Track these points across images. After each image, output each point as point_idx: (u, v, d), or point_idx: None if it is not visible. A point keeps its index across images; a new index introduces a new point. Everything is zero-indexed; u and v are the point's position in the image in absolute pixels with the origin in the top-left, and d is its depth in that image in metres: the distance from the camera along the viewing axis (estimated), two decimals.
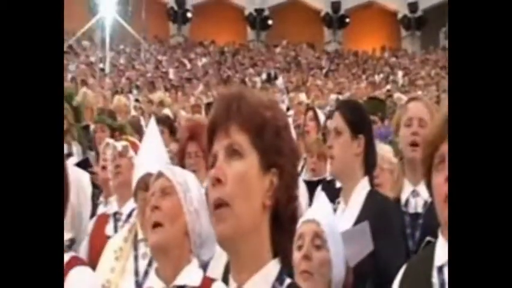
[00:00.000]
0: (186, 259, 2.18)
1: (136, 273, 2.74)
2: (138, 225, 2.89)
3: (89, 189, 3.89)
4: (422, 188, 2.71)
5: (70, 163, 3.86)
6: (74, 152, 5.22)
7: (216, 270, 2.42)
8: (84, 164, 4.67)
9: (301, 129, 5.68)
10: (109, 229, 3.42)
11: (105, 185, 3.97)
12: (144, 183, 2.79)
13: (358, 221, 2.58)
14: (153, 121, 3.18)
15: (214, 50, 22.55)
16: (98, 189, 4.39)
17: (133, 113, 8.21)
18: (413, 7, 25.27)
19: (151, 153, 2.90)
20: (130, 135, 4.73)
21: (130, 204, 3.33)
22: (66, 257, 1.40)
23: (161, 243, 2.15)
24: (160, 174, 2.28)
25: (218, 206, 1.23)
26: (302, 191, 3.96)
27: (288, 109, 9.64)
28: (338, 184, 3.01)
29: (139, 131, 5.89)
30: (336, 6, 25.39)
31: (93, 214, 3.93)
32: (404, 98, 7.29)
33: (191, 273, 2.16)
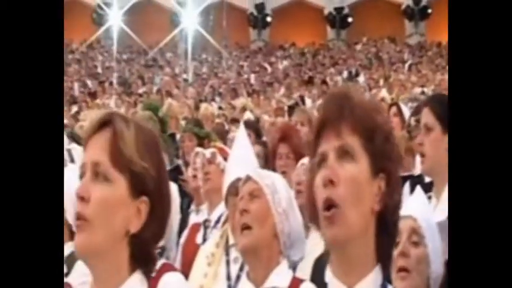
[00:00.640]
0: (276, 260, 2.18)
1: (229, 277, 2.78)
2: (229, 231, 2.93)
3: (177, 199, 3.97)
4: None
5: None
6: None
7: (304, 270, 2.42)
8: (175, 172, 4.79)
9: None
10: (199, 237, 3.48)
11: (196, 193, 4.02)
12: (235, 188, 2.83)
13: None
14: (242, 127, 3.21)
15: (294, 52, 22.55)
16: (188, 198, 4.49)
17: (216, 120, 8.32)
18: None
19: (241, 159, 2.93)
20: (215, 142, 4.81)
21: (219, 210, 3.38)
22: (158, 263, 1.43)
23: (251, 246, 2.17)
24: (248, 178, 2.30)
25: (328, 207, 1.23)
26: None
27: None
28: (427, 179, 2.94)
29: (224, 138, 5.97)
30: None
31: (185, 222, 4.04)
32: None
33: (281, 275, 2.16)
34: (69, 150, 5.61)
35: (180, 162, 5.53)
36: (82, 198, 1.30)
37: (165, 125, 6.19)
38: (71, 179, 2.32)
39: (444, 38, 23.45)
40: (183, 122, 7.84)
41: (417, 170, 3.62)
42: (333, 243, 1.23)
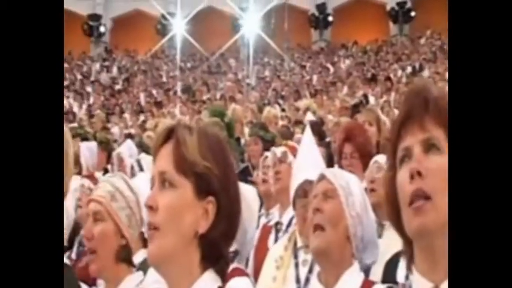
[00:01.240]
0: (348, 262, 2.16)
1: (298, 280, 2.77)
2: (297, 233, 2.91)
3: (255, 202, 3.99)
4: None
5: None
6: None
7: (375, 273, 2.38)
8: (244, 174, 4.82)
9: None
10: (271, 240, 3.49)
11: (266, 197, 4.04)
12: (303, 190, 2.82)
13: None
14: (308, 129, 3.19)
15: (356, 50, 22.34)
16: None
17: (280, 122, 8.34)
18: None
19: (308, 160, 2.92)
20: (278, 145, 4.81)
21: (290, 212, 3.36)
22: (229, 267, 1.43)
23: (323, 248, 2.14)
24: (322, 177, 2.27)
25: (417, 197, 1.20)
26: None
27: None
28: None
29: (289, 140, 5.96)
30: None
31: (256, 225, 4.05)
32: None
33: (352, 277, 2.13)
34: (138, 160, 5.74)
35: (247, 164, 5.56)
36: (151, 208, 1.34)
37: (232, 130, 6.24)
38: (142, 188, 2.40)
39: None
40: (246, 127, 7.89)
41: None
42: (422, 232, 1.19)
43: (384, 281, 2.17)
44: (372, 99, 11.26)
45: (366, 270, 2.29)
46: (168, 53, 24.18)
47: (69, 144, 1.60)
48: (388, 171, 1.29)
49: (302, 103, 9.53)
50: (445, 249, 1.18)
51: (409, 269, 1.24)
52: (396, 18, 25.03)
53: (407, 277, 1.24)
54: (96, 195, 2.34)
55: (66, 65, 23.09)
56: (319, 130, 6.32)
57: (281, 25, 22.63)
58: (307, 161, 2.92)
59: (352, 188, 2.23)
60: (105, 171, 6.26)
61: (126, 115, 13.24)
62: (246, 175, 4.81)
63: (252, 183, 4.49)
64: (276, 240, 3.42)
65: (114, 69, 21.87)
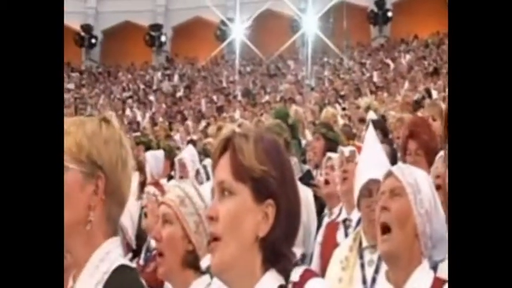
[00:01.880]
0: (417, 261, 2.11)
1: (364, 281, 2.74)
2: (362, 233, 2.88)
3: (311, 203, 3.97)
4: None
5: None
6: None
7: (443, 270, 2.33)
8: (306, 178, 4.80)
9: None
10: (340, 236, 3.47)
11: (329, 198, 4.01)
12: (368, 190, 2.79)
13: None
14: (371, 127, 3.16)
15: (417, 44, 21.93)
16: (319, 202, 4.47)
17: (341, 121, 8.27)
18: None
19: (372, 159, 2.88)
20: (343, 144, 4.77)
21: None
22: (300, 270, 1.43)
23: (392, 251, 2.10)
24: (389, 173, 2.23)
25: None
26: None
27: None
28: None
29: (352, 139, 5.92)
30: None
31: (319, 226, 4.03)
32: None
33: (422, 276, 2.09)
34: (205, 166, 5.81)
35: (308, 167, 5.55)
36: (211, 218, 1.36)
37: (296, 131, 6.23)
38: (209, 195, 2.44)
39: None
40: (308, 129, 7.86)
41: None
42: None
43: None
44: (434, 93, 11.02)
45: (434, 267, 2.24)
46: (227, 58, 24.39)
47: (128, 152, 1.60)
48: None
49: (363, 101, 9.43)
50: None
51: None
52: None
53: None
54: (167, 199, 2.40)
55: (129, 76, 23.61)
56: (382, 127, 6.24)
57: (340, 24, 22.47)
58: (371, 160, 2.88)
59: (420, 184, 2.16)
60: (170, 178, 6.36)
61: (188, 122, 13.41)
62: (308, 178, 4.79)
63: (314, 186, 4.47)
64: (347, 235, 3.40)
65: (176, 77, 22.21)
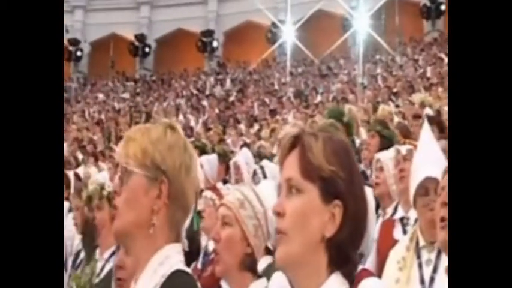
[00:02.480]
0: None
1: (422, 281, 2.69)
2: (418, 232, 2.84)
3: (372, 203, 3.93)
4: None
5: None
6: None
7: None
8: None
9: None
10: (397, 233, 3.44)
11: (381, 198, 3.98)
12: (424, 188, 2.74)
13: None
14: (426, 124, 3.11)
15: None
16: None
17: (396, 119, 8.16)
18: None
19: (429, 156, 2.83)
20: (398, 143, 4.70)
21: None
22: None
23: None
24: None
25: None
26: None
27: None
28: None
29: (408, 137, 5.82)
30: None
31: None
32: None
33: None
34: (262, 167, 5.83)
35: (363, 167, 5.50)
36: (278, 214, 1.37)
37: (351, 130, 6.18)
38: (269, 199, 2.46)
39: None
40: (362, 127, 7.78)
41: None
42: None
43: None
44: None
45: None
46: (279, 60, 24.40)
47: (192, 157, 1.64)
48: None
49: (417, 97, 9.27)
50: None
51: None
52: None
53: None
54: (227, 201, 2.43)
55: (182, 82, 23.89)
56: (438, 123, 6.13)
57: (392, 20, 22.19)
58: (427, 157, 2.84)
59: None
60: (225, 182, 6.39)
61: (241, 125, 13.46)
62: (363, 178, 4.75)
63: (369, 186, 4.43)
64: (405, 232, 3.36)
65: (228, 82, 22.36)
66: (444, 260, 2.58)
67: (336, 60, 22.30)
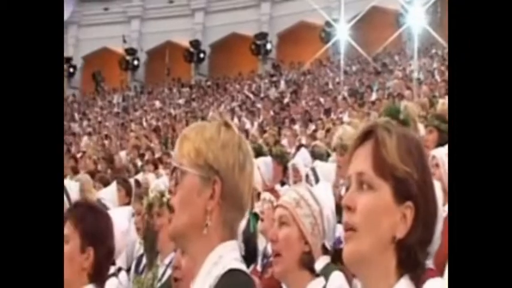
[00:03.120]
0: None
1: None
2: None
3: (441, 201, 3.86)
4: None
5: None
6: None
7: None
8: None
9: None
10: None
11: None
12: None
13: None
14: None
15: None
16: None
17: None
18: None
19: None
20: None
21: None
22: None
23: None
24: None
25: None
26: None
27: None
28: None
29: None
30: None
31: None
32: None
33: None
34: (313, 168, 5.81)
35: None
36: (348, 208, 1.32)
37: (407, 127, 6.09)
38: (325, 199, 2.46)
39: None
40: (420, 123, 7.64)
41: None
42: None
43: None
44: None
45: None
46: (333, 59, 24.25)
47: (246, 155, 1.62)
48: None
49: None
50: None
51: None
52: None
53: None
54: (283, 201, 2.46)
55: (237, 86, 24.03)
56: None
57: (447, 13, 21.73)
58: None
59: None
60: (283, 183, 6.39)
61: (296, 126, 13.44)
62: None
63: None
64: None
65: (282, 83, 22.36)
66: None
67: (391, 56, 21.99)
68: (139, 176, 9.09)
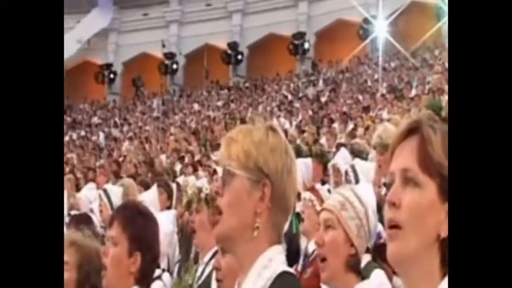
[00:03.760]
0: None
1: None
2: None
3: None
4: None
5: None
6: None
7: None
8: None
9: None
10: None
11: None
12: None
13: None
14: None
15: None
16: None
17: None
18: None
19: None
20: None
21: None
22: None
23: None
24: None
25: None
26: None
27: None
28: None
29: None
30: None
31: None
32: None
33: None
34: (352, 166, 5.75)
35: None
36: (393, 204, 1.30)
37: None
38: (369, 199, 2.43)
39: None
40: None
41: None
42: None
43: None
44: None
45: None
46: (371, 56, 24.06)
47: (293, 160, 1.64)
48: None
49: None
50: None
51: None
52: None
53: None
54: (328, 204, 2.46)
55: (275, 86, 24.03)
56: None
57: None
58: None
59: None
60: (323, 182, 6.36)
61: (335, 125, 13.37)
62: None
63: None
64: None
65: (320, 82, 22.27)
66: None
67: (430, 51, 21.70)
68: (180, 179, 9.16)
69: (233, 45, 28.90)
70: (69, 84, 31.39)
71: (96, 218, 5.45)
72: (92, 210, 6.21)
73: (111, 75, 30.88)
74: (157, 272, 3.40)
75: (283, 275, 1.56)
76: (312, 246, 3.93)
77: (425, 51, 21.78)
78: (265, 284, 1.54)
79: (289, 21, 28.20)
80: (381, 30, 21.70)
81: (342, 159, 6.37)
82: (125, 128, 22.88)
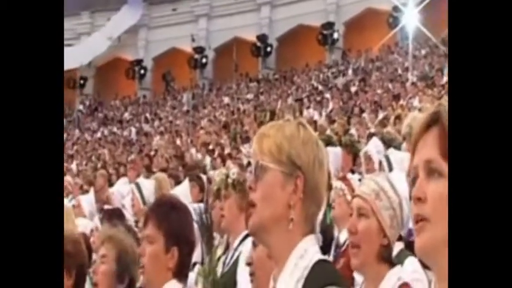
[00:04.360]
0: None
1: None
2: None
3: None
4: None
5: None
6: None
7: None
8: None
9: None
10: None
11: None
12: None
13: None
14: None
15: None
16: None
17: None
18: None
19: None
20: None
21: None
22: None
23: None
24: None
25: None
26: None
27: None
28: None
29: None
30: None
31: None
32: None
33: None
34: (386, 156, 5.71)
35: None
36: (419, 199, 1.27)
37: None
38: (403, 189, 2.40)
39: None
40: None
41: None
42: None
43: None
44: None
45: None
46: (401, 44, 23.81)
47: (324, 153, 1.67)
48: None
49: None
50: None
51: None
52: None
53: None
54: (362, 192, 2.42)
55: (304, 77, 23.94)
56: None
57: None
58: None
59: None
60: (352, 172, 6.32)
61: (365, 114, 13.26)
62: None
63: None
64: None
65: (350, 72, 22.13)
66: None
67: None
68: (211, 173, 9.19)
69: (262, 38, 28.89)
70: (100, 81, 31.88)
71: (128, 212, 5.49)
72: (123, 206, 6.27)
73: (142, 71, 31.14)
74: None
75: (320, 263, 1.59)
76: (343, 237, 3.91)
77: None
78: (302, 274, 1.57)
79: (318, 11, 28.06)
80: (410, 18, 21.44)
81: (373, 147, 6.32)
82: (156, 123, 23.06)
